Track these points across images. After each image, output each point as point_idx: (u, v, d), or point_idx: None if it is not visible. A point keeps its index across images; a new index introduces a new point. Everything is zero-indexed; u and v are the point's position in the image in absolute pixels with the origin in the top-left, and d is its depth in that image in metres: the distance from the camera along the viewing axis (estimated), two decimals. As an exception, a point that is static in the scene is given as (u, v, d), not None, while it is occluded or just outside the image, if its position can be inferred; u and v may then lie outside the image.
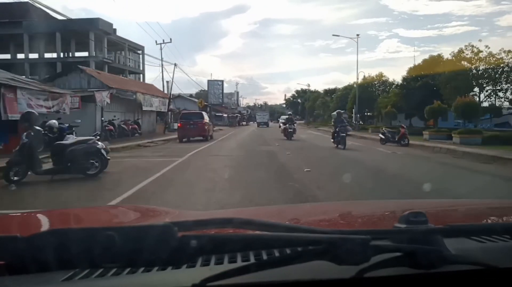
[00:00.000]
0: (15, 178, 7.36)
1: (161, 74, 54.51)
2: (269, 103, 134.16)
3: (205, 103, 61.04)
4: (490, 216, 1.44)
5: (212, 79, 77.40)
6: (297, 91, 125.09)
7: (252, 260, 0.77)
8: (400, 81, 30.79)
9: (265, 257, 0.79)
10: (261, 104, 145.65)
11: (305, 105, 72.63)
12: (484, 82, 24.10)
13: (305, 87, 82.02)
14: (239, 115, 69.56)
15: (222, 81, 77.80)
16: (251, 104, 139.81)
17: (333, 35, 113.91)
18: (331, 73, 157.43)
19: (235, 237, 0.72)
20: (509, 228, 0.95)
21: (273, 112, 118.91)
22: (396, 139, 17.50)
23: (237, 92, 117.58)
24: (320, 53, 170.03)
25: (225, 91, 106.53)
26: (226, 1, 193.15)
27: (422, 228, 0.74)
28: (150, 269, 0.73)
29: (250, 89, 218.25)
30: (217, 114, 55.40)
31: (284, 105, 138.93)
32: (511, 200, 3.43)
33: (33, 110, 9.86)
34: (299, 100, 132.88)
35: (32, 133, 7.56)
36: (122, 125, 22.69)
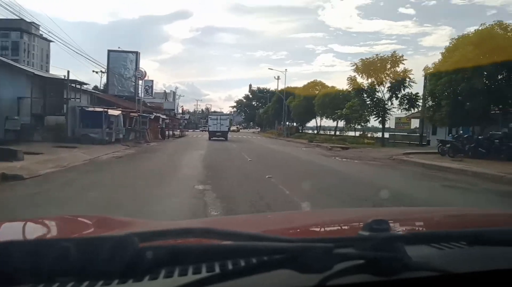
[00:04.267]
0: None
1: None
2: (211, 109, 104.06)
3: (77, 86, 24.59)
4: (448, 223, 1.46)
5: (116, 49, 42.57)
6: (252, 92, 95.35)
7: (217, 270, 0.75)
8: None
9: (230, 267, 0.77)
10: (203, 110, 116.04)
11: (291, 104, 40.84)
12: None
13: (278, 75, 50.73)
14: (164, 118, 35.29)
15: (136, 53, 43.21)
16: (191, 110, 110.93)
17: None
18: (271, 83, 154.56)
19: (197, 247, 0.70)
20: (465, 234, 0.94)
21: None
22: None
23: (174, 93, 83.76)
24: (261, 63, 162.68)
25: (159, 92, 73.41)
26: (168, 6, 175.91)
27: (385, 235, 0.74)
28: (110, 282, 0.70)
29: (191, 96, 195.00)
30: (88, 109, 20.31)
31: (234, 109, 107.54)
32: (469, 207, 3.37)
33: None
34: (254, 103, 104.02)
35: None
36: None
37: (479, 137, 16.05)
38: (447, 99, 15.89)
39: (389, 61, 25.05)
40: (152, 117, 27.53)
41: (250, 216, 2.95)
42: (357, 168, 12.38)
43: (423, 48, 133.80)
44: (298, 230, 1.35)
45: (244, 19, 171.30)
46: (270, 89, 79.76)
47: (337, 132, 37.46)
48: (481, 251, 0.87)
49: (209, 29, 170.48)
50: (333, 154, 19.12)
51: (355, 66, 26.19)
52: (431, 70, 18.32)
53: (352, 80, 26.60)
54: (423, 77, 25.06)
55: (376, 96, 25.66)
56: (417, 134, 28.03)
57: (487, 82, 14.90)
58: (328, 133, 40.97)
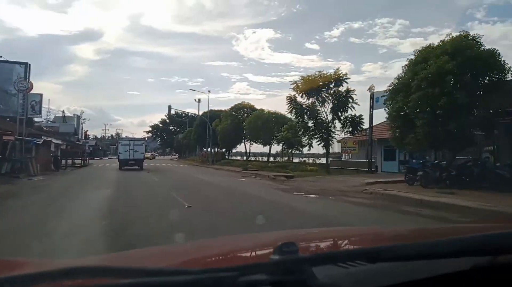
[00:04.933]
0: None
1: None
2: (123, 135, 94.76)
3: None
4: (353, 242, 1.48)
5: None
6: (170, 116, 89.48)
7: None
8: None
9: None
10: (112, 135, 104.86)
11: (217, 128, 36.67)
12: None
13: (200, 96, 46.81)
14: (59, 144, 27.91)
15: (25, 64, 34.80)
16: (99, 136, 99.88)
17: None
18: (189, 109, 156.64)
19: None
20: (366, 252, 0.95)
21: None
22: None
23: (78, 116, 72.77)
24: (177, 89, 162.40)
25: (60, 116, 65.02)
26: (73, 26, 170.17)
27: (293, 258, 0.74)
28: None
29: (100, 121, 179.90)
30: None
31: (149, 135, 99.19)
32: (372, 227, 3.35)
33: None
34: (172, 127, 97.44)
35: None
36: None
37: (451, 163, 13.71)
38: (423, 118, 13.22)
39: (332, 79, 22.58)
40: (40, 143, 20.75)
41: (159, 248, 2.19)
42: (346, 212, 8.49)
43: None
44: (208, 260, 1.25)
45: (157, 44, 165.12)
46: (189, 113, 74.81)
47: (271, 158, 34.10)
48: (381, 268, 0.89)
49: (120, 52, 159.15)
50: (285, 186, 15.18)
51: (294, 84, 23.22)
52: (392, 86, 15.79)
53: (292, 100, 23.50)
54: (369, 98, 23.17)
55: (319, 117, 22.79)
56: (357, 160, 25.88)
57: (467, 98, 12.58)
58: (260, 159, 37.48)
